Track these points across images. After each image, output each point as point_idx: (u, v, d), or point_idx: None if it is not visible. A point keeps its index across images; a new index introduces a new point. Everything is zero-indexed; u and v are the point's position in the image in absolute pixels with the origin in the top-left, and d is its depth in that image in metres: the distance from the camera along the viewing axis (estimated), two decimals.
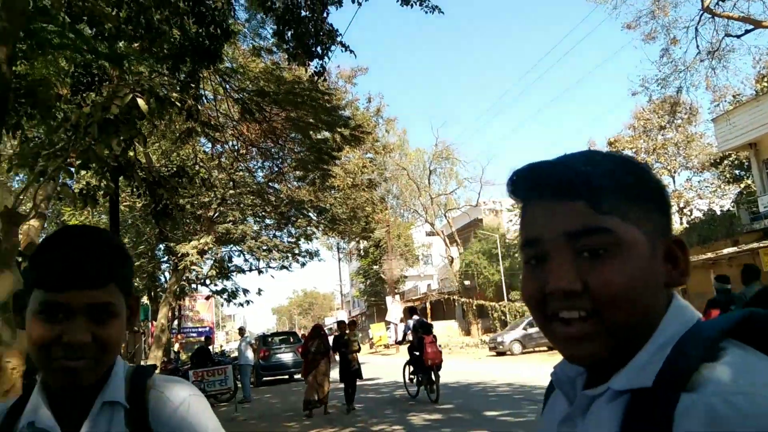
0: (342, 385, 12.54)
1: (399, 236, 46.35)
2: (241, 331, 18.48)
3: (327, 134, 12.56)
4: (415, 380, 13.05)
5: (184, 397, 1.17)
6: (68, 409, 1.12)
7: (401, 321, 40.31)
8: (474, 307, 38.46)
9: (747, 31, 16.19)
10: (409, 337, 13.34)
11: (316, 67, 7.40)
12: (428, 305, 41.75)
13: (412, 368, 13.35)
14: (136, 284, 26.19)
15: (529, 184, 0.82)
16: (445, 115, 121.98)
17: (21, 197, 7.10)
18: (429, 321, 40.28)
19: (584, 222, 0.76)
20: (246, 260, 25.68)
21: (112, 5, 7.46)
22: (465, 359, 25.56)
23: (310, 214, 18.93)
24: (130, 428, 1.11)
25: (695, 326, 0.76)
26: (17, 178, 15.31)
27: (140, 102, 5.48)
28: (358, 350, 13.03)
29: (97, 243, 1.12)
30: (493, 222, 42.34)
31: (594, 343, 0.75)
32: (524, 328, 25.41)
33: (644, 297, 0.75)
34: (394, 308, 43.37)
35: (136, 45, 8.37)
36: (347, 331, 13.12)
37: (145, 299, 28.08)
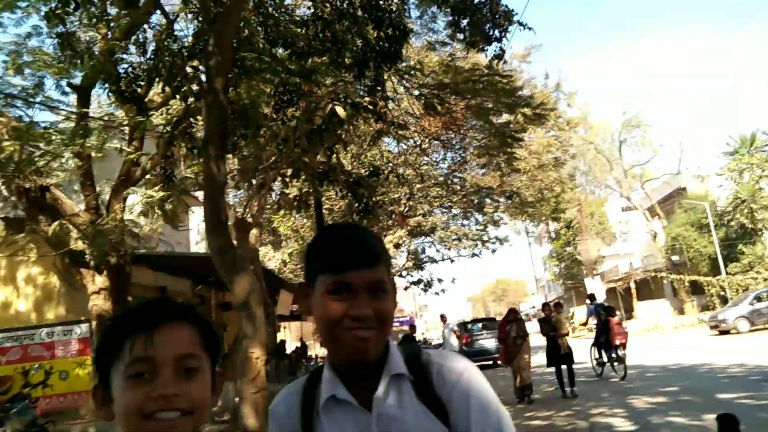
0: (549, 369, 12.35)
1: (592, 214, 44.05)
2: (443, 318, 18.95)
3: (508, 117, 12.38)
4: (599, 361, 14.09)
5: (464, 367, 1.30)
6: (355, 385, 1.28)
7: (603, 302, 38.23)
8: (686, 284, 35.22)
9: None
10: (592, 321, 13.66)
11: (495, 51, 7.36)
12: (632, 285, 39.01)
13: (597, 349, 14.19)
14: None
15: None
16: (631, 83, 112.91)
17: (247, 209, 8.10)
18: (634, 302, 37.83)
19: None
20: (437, 250, 26.28)
21: (301, 25, 8.13)
22: (682, 340, 23.48)
23: (499, 199, 18.79)
24: (419, 397, 1.25)
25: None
26: (234, 193, 17.26)
27: (339, 110, 5.91)
28: (567, 333, 12.48)
29: (365, 233, 1.34)
30: (699, 190, 38.36)
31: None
32: (750, 303, 22.71)
33: None
34: (596, 289, 41.20)
35: (323, 59, 9.04)
36: (553, 313, 12.63)
37: None
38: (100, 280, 11.63)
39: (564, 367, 11.95)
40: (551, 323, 12.34)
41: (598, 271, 46.06)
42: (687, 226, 36.12)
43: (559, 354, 11.95)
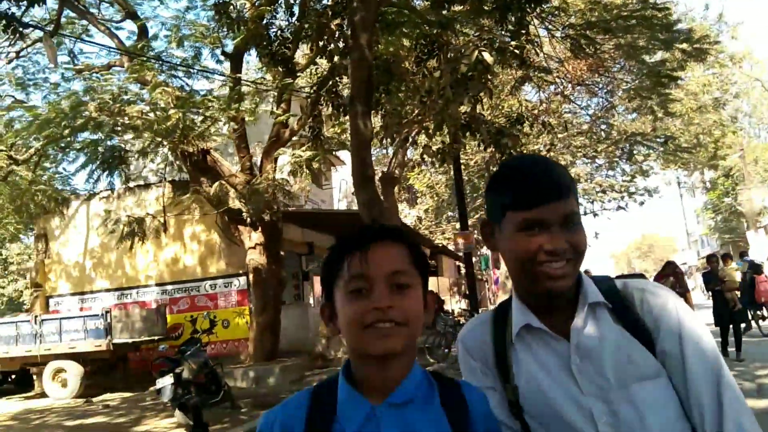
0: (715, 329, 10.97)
1: (756, 160, 39.76)
2: (587, 273, 18.31)
3: (663, 55, 11.37)
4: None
5: (666, 293, 1.24)
6: (547, 316, 1.25)
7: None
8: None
9: None
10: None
11: None
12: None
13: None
14: (475, 236, 27.98)
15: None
16: None
17: (393, 163, 8.26)
18: None
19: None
20: (580, 204, 25.21)
21: None
22: None
23: (651, 145, 17.50)
24: (620, 323, 1.21)
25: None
26: (375, 150, 17.61)
27: (486, 56, 5.75)
28: (738, 287, 11.21)
29: (552, 164, 1.27)
30: None
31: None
32: None
33: None
34: (760, 244, 37.50)
35: (462, 7, 8.82)
36: (721, 265, 11.40)
37: (485, 249, 29.84)
38: (256, 236, 12.52)
39: (732, 326, 10.70)
40: (718, 277, 11.06)
41: (763, 224, 41.74)
42: None
43: (727, 311, 10.72)
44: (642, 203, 24.26)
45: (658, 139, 17.15)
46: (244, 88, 11.82)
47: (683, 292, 10.53)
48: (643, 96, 12.22)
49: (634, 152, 18.63)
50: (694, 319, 1.22)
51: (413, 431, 1.06)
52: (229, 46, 11.64)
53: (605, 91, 15.02)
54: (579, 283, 1.27)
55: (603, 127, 18.18)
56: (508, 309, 1.34)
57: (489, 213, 1.32)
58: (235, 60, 11.78)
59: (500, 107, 15.79)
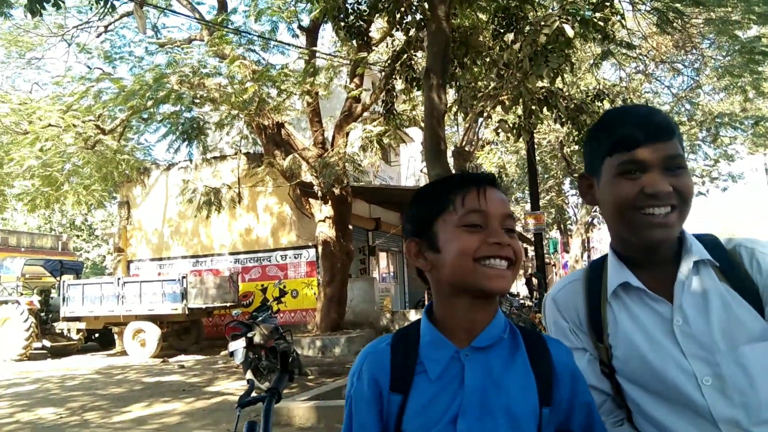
0: None
1: None
2: None
3: (759, 30, 10.66)
4: None
5: None
6: (645, 273, 1.20)
7: None
8: None
9: None
10: None
11: None
12: None
13: None
14: (545, 218, 27.41)
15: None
16: None
17: (466, 137, 8.19)
18: None
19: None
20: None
21: None
22: None
23: (739, 127, 16.53)
24: (727, 282, 1.15)
25: None
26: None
27: (566, 27, 5.57)
28: None
29: (654, 108, 1.24)
30: None
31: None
32: None
33: None
34: None
35: None
36: None
37: (554, 232, 29.23)
38: (326, 210, 12.72)
39: None
40: None
41: None
42: None
43: None
44: (725, 189, 23.06)
45: (747, 121, 16.17)
46: (319, 63, 11.94)
47: None
48: (733, 74, 11.53)
49: (720, 134, 17.64)
50: None
51: (497, 375, 1.04)
52: (305, 20, 11.77)
53: (691, 69, 14.27)
54: (681, 239, 1.20)
55: (687, 107, 17.30)
56: (602, 266, 1.28)
57: (587, 167, 1.28)
58: (311, 34, 11.91)
59: (577, 85, 15.28)
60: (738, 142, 19.09)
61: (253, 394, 1.99)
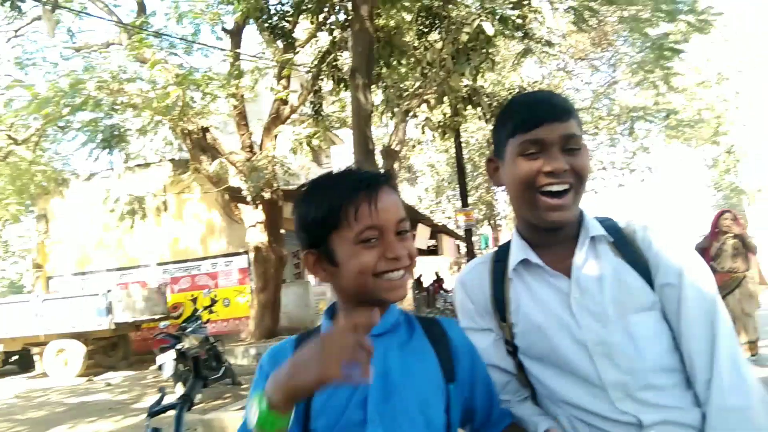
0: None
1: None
2: None
3: (668, 27, 11.22)
4: None
5: (672, 234, 1.25)
6: (546, 251, 1.25)
7: None
8: None
9: None
10: None
11: None
12: None
13: None
14: (475, 215, 27.88)
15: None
16: None
17: (393, 138, 8.22)
18: None
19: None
20: (583, 132, 25.01)
21: None
22: None
23: (652, 120, 17.40)
24: (620, 257, 1.21)
25: None
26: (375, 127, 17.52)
27: (486, 25, 5.67)
28: None
29: (554, 93, 1.32)
30: None
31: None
32: None
33: None
34: (757, 221, 37.49)
35: None
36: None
37: (485, 228, 29.85)
38: (256, 215, 12.48)
39: None
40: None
41: (762, 200, 41.72)
42: None
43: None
44: (643, 180, 24.13)
45: (659, 114, 17.06)
46: (244, 65, 11.70)
47: (744, 253, 7.09)
48: (645, 70, 12.12)
49: (635, 129, 18.51)
50: (697, 258, 1.22)
51: (398, 358, 1.08)
52: (229, 22, 11.51)
53: (608, 65, 14.91)
54: (581, 220, 1.26)
55: (605, 102, 18.06)
56: (508, 248, 1.33)
57: (494, 150, 1.33)
58: (235, 36, 11.64)
59: (502, 83, 15.67)
60: (653, 135, 20.07)
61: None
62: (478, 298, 1.32)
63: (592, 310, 1.18)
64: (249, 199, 12.09)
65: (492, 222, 29.03)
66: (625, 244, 1.23)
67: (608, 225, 1.27)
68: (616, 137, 21.18)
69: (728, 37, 19.56)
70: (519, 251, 1.27)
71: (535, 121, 1.18)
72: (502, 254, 1.34)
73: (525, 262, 1.26)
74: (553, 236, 1.24)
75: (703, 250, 7.15)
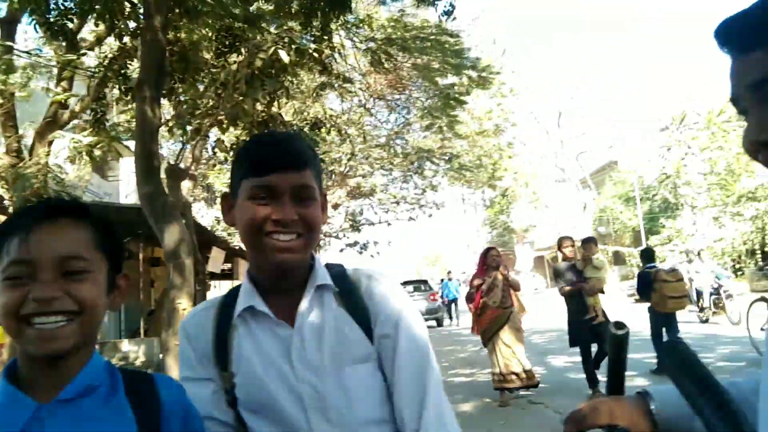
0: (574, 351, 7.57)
1: (527, 183, 45.18)
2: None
3: (454, 79, 12.39)
4: None
5: (392, 281, 1.28)
6: (276, 298, 1.23)
7: (531, 270, 39.65)
8: (609, 254, 36.87)
9: None
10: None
11: (445, 7, 7.28)
12: (559, 254, 40.51)
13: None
14: None
15: (721, 33, 0.77)
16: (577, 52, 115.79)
17: (182, 156, 7.83)
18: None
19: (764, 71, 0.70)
20: (375, 213, 26.29)
21: None
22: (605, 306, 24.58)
23: (438, 162, 18.95)
24: (343, 307, 1.22)
25: None
26: (167, 144, 16.64)
27: (282, 54, 5.72)
28: (602, 290, 7.43)
29: (295, 137, 1.29)
30: (629, 163, 39.90)
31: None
32: None
33: None
34: (524, 258, 42.62)
35: (269, 5, 8.68)
36: (584, 253, 7.57)
37: None
38: None
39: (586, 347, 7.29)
40: (574, 270, 7.43)
41: (528, 240, 47.55)
42: (615, 198, 37.64)
43: (588, 325, 7.11)
44: (430, 215, 26.04)
45: (444, 157, 18.62)
46: (17, 59, 10.36)
47: (505, 289, 7.45)
48: (434, 116, 13.19)
49: (424, 168, 19.98)
50: (415, 310, 1.26)
51: (86, 428, 0.94)
52: (2, 10, 10.15)
53: (402, 107, 15.93)
54: (312, 266, 1.26)
55: (399, 141, 19.25)
56: (238, 293, 1.27)
57: (230, 187, 1.28)
58: (8, 26, 10.29)
59: (305, 112, 15.91)
60: (439, 175, 21.82)
61: None
62: (200, 345, 1.24)
63: (311, 361, 1.17)
64: (11, 210, 10.64)
65: None
66: (349, 294, 1.23)
67: (336, 273, 1.27)
68: (409, 174, 22.67)
69: (508, 92, 22.15)
70: (246, 297, 1.23)
71: (267, 167, 1.15)
72: (230, 298, 1.28)
73: (251, 309, 1.21)
74: (282, 282, 1.22)
75: (477, 286, 7.55)
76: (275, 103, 6.78)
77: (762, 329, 8.87)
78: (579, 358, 7.42)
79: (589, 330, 7.08)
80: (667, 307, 8.26)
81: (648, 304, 8.53)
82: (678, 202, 34.58)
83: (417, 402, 1.16)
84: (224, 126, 7.10)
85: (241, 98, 6.24)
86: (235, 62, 7.28)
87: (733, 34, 0.75)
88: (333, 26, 9.15)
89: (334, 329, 1.19)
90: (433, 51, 10.10)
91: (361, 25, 9.25)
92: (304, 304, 1.21)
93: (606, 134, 41.50)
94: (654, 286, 8.22)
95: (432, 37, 9.74)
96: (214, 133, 7.94)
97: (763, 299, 9.31)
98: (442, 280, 32.60)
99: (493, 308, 7.27)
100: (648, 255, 9.40)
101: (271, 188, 1.15)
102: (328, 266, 1.29)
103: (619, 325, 0.97)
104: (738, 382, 0.95)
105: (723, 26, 0.77)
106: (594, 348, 7.17)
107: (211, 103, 7.15)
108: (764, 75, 0.71)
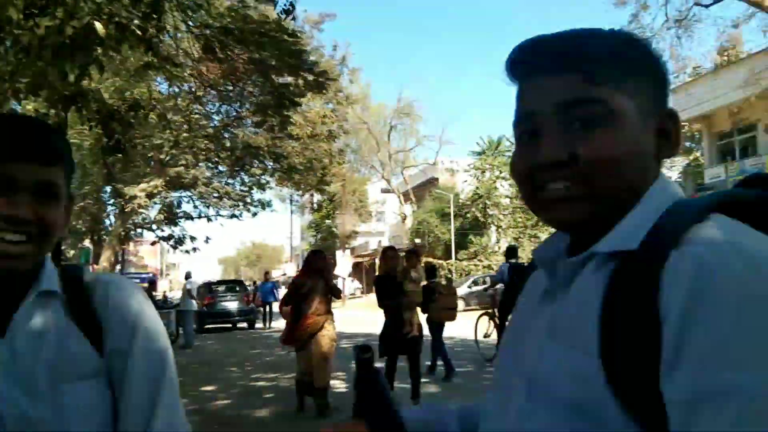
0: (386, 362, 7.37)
1: (354, 191, 46.23)
2: (188, 275, 18.09)
3: (290, 79, 12.19)
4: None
5: (133, 288, 1.16)
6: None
7: (349, 275, 40.61)
8: (423, 265, 38.88)
9: (716, 1, 16.26)
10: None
11: (284, 5, 7.10)
12: (377, 261, 42.05)
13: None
14: (78, 227, 25.15)
15: (524, 59, 0.81)
16: (410, 71, 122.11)
17: None
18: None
19: (576, 93, 0.75)
20: (195, 207, 25.05)
21: None
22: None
23: (266, 161, 18.59)
24: (70, 316, 1.08)
25: (682, 198, 0.77)
26: None
27: (98, 26, 5.13)
28: (419, 304, 7.70)
29: (45, 125, 1.16)
30: (448, 182, 42.62)
31: (579, 205, 0.75)
32: (468, 286, 26.07)
33: (632, 166, 0.75)
34: (344, 263, 43.51)
35: None
36: (404, 265, 7.55)
37: (87, 242, 27.25)
38: None
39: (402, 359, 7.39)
40: (394, 283, 7.24)
41: (350, 246, 48.68)
42: (432, 213, 40.00)
43: (403, 338, 7.13)
44: (255, 214, 25.46)
45: (272, 156, 18.33)
46: None
47: (329, 300, 7.32)
48: (266, 113, 12.88)
49: (252, 165, 19.49)
50: (155, 321, 1.14)
51: None
52: None
53: (235, 101, 15.37)
54: (41, 269, 1.10)
55: (228, 135, 18.57)
56: None
57: None
58: None
59: (128, 93, 14.65)
60: (267, 174, 21.43)
61: None
62: None
63: (22, 377, 1.01)
64: None
65: (95, 237, 26.61)
66: (80, 301, 1.10)
67: (70, 277, 1.12)
68: (236, 170, 21.94)
69: (343, 101, 22.45)
70: None
71: (4, 155, 1.00)
72: None
73: None
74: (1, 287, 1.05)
75: (297, 287, 7.25)
76: (87, 78, 6.08)
77: (485, 336, 11.23)
78: (379, 365, 7.59)
79: (400, 343, 7.11)
80: (441, 318, 9.32)
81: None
82: (486, 221, 37.65)
83: (143, 413, 1.06)
84: (20, 96, 6.22)
85: (47, 67, 5.50)
86: (47, 26, 6.41)
87: (546, 54, 0.77)
88: (166, 6, 8.51)
89: (55, 342, 1.05)
90: (270, 48, 9.84)
91: (197, 9, 8.71)
92: (21, 313, 1.04)
93: (431, 152, 43.94)
94: (432, 297, 8.99)
95: (271, 33, 9.50)
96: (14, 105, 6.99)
97: (486, 314, 11.58)
98: (254, 283, 32.09)
99: (309, 314, 6.98)
100: (511, 252, 10.85)
101: (9, 179, 0.99)
102: (64, 269, 1.14)
103: (364, 349, 0.96)
104: (470, 406, 1.00)
105: (532, 44, 0.80)
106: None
107: (10, 68, 6.22)
108: (577, 97, 0.74)
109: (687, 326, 0.61)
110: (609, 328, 0.67)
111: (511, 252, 10.83)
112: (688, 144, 32.95)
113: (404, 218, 42.19)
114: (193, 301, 17.09)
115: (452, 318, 9.62)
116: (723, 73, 22.42)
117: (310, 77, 11.38)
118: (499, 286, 11.14)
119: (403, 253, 8.20)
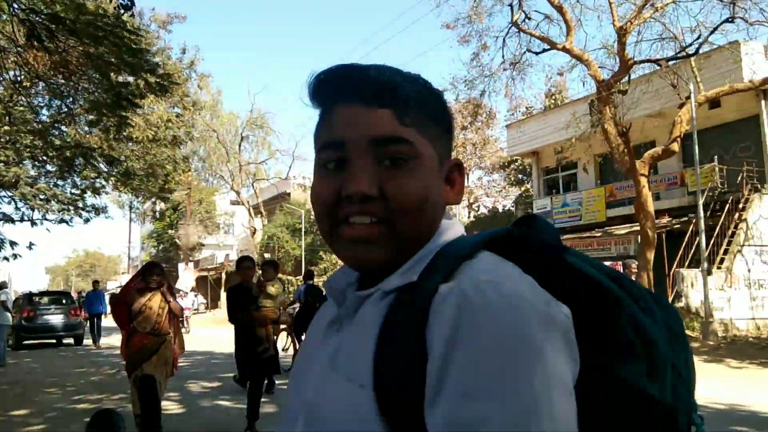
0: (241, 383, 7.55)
1: (201, 201, 44.35)
2: (2, 285, 16.15)
3: (130, 78, 11.45)
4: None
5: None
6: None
7: (192, 290, 38.79)
8: (280, 278, 38.28)
9: (545, 50, 17.93)
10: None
11: (123, 0, 6.67)
12: (224, 275, 40.69)
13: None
14: None
15: (338, 86, 0.79)
16: (264, 82, 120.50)
17: None
18: (222, 291, 39.38)
19: (389, 130, 0.76)
20: (17, 208, 22.49)
21: None
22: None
23: (100, 164, 17.22)
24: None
25: (460, 237, 0.81)
26: None
27: None
28: (277, 319, 7.51)
29: None
30: (300, 197, 42.43)
31: (381, 248, 0.76)
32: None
33: (431, 209, 0.78)
34: (186, 276, 41.50)
35: None
36: (261, 279, 7.18)
37: None
38: None
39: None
40: (249, 297, 6.77)
41: (195, 258, 46.53)
42: (283, 228, 39.56)
43: (259, 357, 6.66)
44: (87, 220, 23.45)
45: (106, 159, 17.07)
46: None
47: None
48: (102, 112, 11.97)
49: (84, 167, 18.00)
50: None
51: None
52: None
53: (67, 96, 14.11)
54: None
55: (57, 132, 17.01)
56: None
57: None
58: None
59: None
60: (102, 178, 19.87)
61: None
62: None
63: None
64: None
65: None
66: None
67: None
68: (67, 171, 20.07)
69: (190, 107, 21.55)
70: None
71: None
72: None
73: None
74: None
75: (127, 304, 6.28)
76: None
77: (284, 349, 11.56)
78: (217, 384, 7.34)
79: (260, 363, 6.59)
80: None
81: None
82: None
83: None
84: None
85: None
86: None
87: (362, 84, 0.77)
88: None
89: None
90: (108, 43, 9.18)
91: None
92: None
93: (284, 166, 43.43)
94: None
95: (108, 28, 8.86)
96: None
97: (285, 330, 12.40)
98: (79, 293, 29.52)
99: (142, 334, 6.11)
100: (308, 275, 12.20)
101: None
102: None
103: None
104: None
105: (348, 70, 0.79)
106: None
107: None
108: (390, 135, 0.75)
109: (447, 359, 0.64)
110: (382, 359, 0.69)
111: (308, 274, 12.19)
112: (520, 176, 35.85)
113: (254, 232, 41.24)
114: (8, 314, 15.32)
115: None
116: (550, 114, 24.82)
117: (153, 79, 10.76)
118: (297, 305, 11.90)
119: (259, 266, 7.75)
